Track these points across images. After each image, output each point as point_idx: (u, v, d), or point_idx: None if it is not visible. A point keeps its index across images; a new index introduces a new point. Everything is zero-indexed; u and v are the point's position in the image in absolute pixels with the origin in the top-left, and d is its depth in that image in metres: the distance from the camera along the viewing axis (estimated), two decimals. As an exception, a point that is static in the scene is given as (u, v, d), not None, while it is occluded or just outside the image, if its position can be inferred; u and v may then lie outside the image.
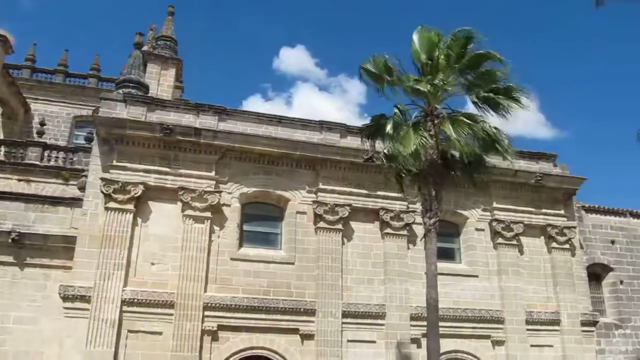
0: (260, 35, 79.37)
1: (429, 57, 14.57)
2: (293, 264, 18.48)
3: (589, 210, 23.08)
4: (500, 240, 20.58)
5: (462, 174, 14.76)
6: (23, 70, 31.69)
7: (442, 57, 14.32)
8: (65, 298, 16.26)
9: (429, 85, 13.98)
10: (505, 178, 21.00)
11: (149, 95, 20.56)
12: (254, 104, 72.56)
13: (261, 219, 19.25)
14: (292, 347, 17.63)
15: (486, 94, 13.97)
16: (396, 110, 14.15)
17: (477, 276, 20.17)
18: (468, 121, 13.78)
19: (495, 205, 20.92)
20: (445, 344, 18.08)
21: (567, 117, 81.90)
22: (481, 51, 13.85)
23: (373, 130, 15.37)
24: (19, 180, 22.19)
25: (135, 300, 16.64)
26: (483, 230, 20.81)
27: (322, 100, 75.34)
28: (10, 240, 16.83)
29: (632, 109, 69.65)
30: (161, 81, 26.26)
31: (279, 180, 19.10)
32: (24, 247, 17.11)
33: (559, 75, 77.23)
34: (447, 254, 20.31)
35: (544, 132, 78.10)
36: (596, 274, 22.97)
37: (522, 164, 21.84)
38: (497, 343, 19.49)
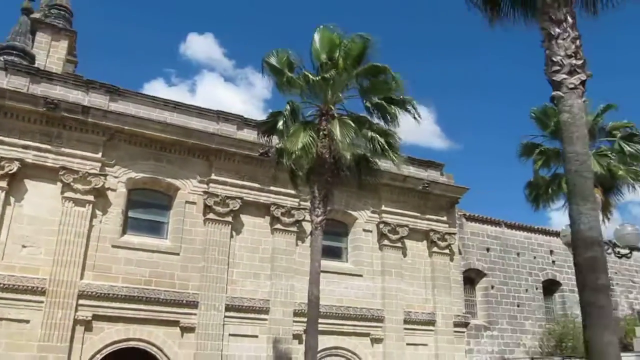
0: (168, 17, 76.63)
1: (329, 57, 14.75)
2: (178, 254, 17.99)
3: (469, 218, 24.44)
4: (386, 242, 21.28)
5: (351, 175, 15.05)
6: None
7: (342, 59, 14.54)
8: None
9: (325, 85, 14.14)
10: (394, 182, 21.73)
11: (35, 65, 19.12)
12: (156, 88, 69.96)
13: (148, 207, 18.56)
14: (170, 339, 17.15)
15: (379, 101, 14.38)
16: (287, 107, 14.19)
17: (361, 275, 20.72)
18: (353, 124, 14.07)
19: (383, 208, 21.60)
20: (326, 341, 18.50)
21: (461, 130, 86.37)
22: (378, 64, 14.21)
23: (269, 126, 15.34)
24: None
25: (1, 286, 15.44)
26: (371, 231, 21.42)
27: (227, 92, 74.16)
28: None
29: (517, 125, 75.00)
30: (51, 52, 24.42)
31: (169, 167, 18.51)
32: None
33: (456, 88, 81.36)
34: (334, 253, 20.74)
35: (438, 143, 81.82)
36: (471, 278, 24.39)
37: (411, 170, 22.71)
38: (376, 341, 20.14)
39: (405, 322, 20.74)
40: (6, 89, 16.42)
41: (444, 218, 22.84)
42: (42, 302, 15.69)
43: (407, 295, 21.24)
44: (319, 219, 13.85)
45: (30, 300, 15.66)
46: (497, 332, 23.41)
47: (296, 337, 18.62)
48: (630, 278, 29.39)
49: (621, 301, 28.53)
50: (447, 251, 22.45)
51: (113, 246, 17.15)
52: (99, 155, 17.38)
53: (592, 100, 19.01)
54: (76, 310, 16.01)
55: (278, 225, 19.45)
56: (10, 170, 16.08)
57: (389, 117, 14.59)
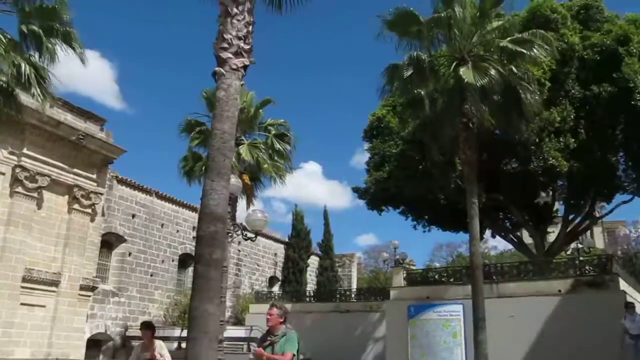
0: None
1: None
2: None
3: (121, 181, 23.65)
4: (19, 189, 18.85)
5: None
6: None
7: None
8: None
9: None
10: (44, 126, 19.50)
11: None
12: None
13: None
14: None
15: (37, 29, 12.53)
16: None
17: (-20, 222, 17.93)
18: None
19: (25, 151, 19.12)
20: None
21: (140, 95, 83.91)
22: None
23: None
24: None
25: None
26: (3, 174, 18.74)
27: None
28: None
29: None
30: None
31: None
32: None
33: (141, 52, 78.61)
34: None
35: (113, 102, 78.04)
36: (109, 242, 23.63)
37: (68, 118, 20.77)
38: None
39: (25, 280, 18.71)
40: None
41: (94, 176, 21.49)
42: None
43: (33, 251, 19.19)
44: None
45: None
46: (125, 298, 23.18)
47: None
48: (256, 261, 32.71)
49: (245, 280, 31.50)
50: (89, 210, 21.14)
51: None
52: None
53: (255, 92, 20.58)
54: None
55: None
56: None
57: (46, 50, 12.80)
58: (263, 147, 20.15)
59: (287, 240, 34.90)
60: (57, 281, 19.77)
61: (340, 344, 22.98)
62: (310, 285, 33.74)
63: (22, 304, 18.64)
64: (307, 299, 27.58)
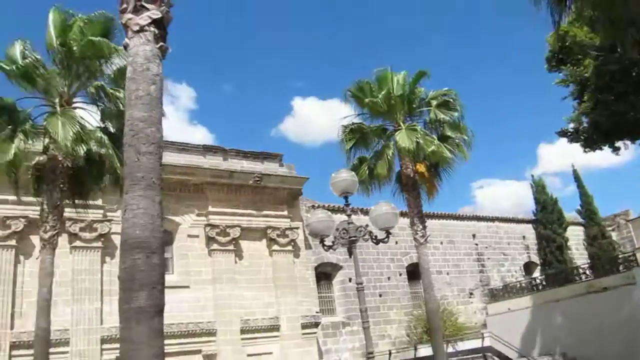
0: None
1: (62, 43, 12.51)
2: (-52, 291, 15.42)
3: (318, 208, 22.76)
4: (215, 246, 19.32)
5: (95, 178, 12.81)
6: None
7: (76, 44, 12.31)
8: None
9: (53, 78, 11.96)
10: (220, 180, 19.81)
11: None
12: None
13: None
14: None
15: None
16: None
17: (188, 287, 18.68)
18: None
19: (210, 209, 19.61)
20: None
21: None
22: (94, 38, 11.95)
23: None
24: None
25: None
26: (197, 236, 19.40)
27: None
28: None
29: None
30: None
31: None
32: None
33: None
34: (159, 265, 18.59)
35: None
36: (326, 273, 22.82)
37: (244, 165, 20.89)
38: (209, 357, 18.17)
39: (244, 331, 18.82)
40: None
41: (284, 212, 21.06)
42: None
43: (245, 302, 19.31)
44: (48, 235, 11.64)
45: None
46: (357, 326, 21.86)
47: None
48: (501, 251, 28.60)
49: (493, 275, 27.75)
50: (289, 247, 20.68)
51: None
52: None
53: (407, 72, 17.75)
54: None
55: (77, 243, 17.17)
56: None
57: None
58: (428, 127, 17.20)
59: (532, 217, 29.98)
60: (277, 325, 19.49)
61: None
62: (581, 260, 28.04)
63: (248, 355, 18.74)
64: (578, 278, 22.40)
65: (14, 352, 15.50)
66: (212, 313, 18.63)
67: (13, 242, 16.32)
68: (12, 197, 16.36)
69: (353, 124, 17.92)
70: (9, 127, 11.63)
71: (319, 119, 64.23)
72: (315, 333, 20.26)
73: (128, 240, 5.27)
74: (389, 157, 16.94)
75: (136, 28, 6.09)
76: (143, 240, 5.26)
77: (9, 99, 12.13)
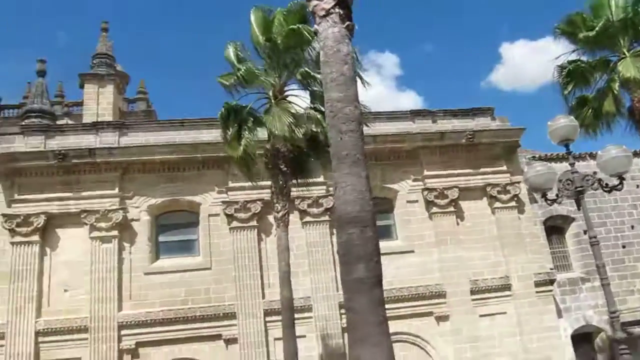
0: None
1: (267, 39, 13.56)
2: (210, 268, 18.05)
3: (542, 160, 21.27)
4: (435, 209, 19.35)
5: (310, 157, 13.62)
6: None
7: (279, 36, 13.25)
8: (-19, 338, 16.56)
9: (265, 72, 13.07)
10: (432, 143, 19.69)
11: (46, 123, 20.37)
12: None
13: (177, 228, 18.92)
14: (217, 353, 17.29)
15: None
16: (222, 111, 13.21)
17: (413, 251, 19.06)
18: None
19: (426, 173, 19.64)
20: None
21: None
22: (294, 26, 12.59)
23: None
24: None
25: (50, 330, 16.73)
26: (416, 201, 19.62)
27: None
28: None
29: None
30: (100, 99, 26.24)
31: (186, 185, 18.63)
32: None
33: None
34: (383, 232, 19.28)
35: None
36: (558, 226, 21.29)
37: (455, 124, 20.44)
38: (441, 319, 18.41)
39: (473, 292, 18.63)
40: (18, 151, 17.74)
41: (503, 167, 20.12)
42: (86, 338, 16.71)
43: (472, 263, 19.04)
44: (280, 214, 12.81)
45: (77, 339, 16.78)
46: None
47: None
48: None
49: None
50: (513, 204, 19.74)
51: (145, 273, 17.72)
52: (116, 190, 18.06)
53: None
54: (119, 341, 16.82)
55: (308, 218, 18.64)
56: (39, 224, 17.34)
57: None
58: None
59: None
60: (508, 285, 18.91)
61: None
62: None
63: (480, 315, 18.54)
64: None
65: (267, 318, 17.56)
66: (439, 275, 18.77)
67: (254, 223, 18.37)
68: (249, 184, 18.51)
69: (569, 62, 16.35)
70: (236, 125, 13.06)
71: (531, 62, 59.72)
72: (550, 291, 19.15)
73: (341, 216, 5.61)
74: (615, 91, 15.15)
75: (322, 13, 6.32)
76: (355, 215, 5.55)
77: (232, 102, 13.59)
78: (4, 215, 17.34)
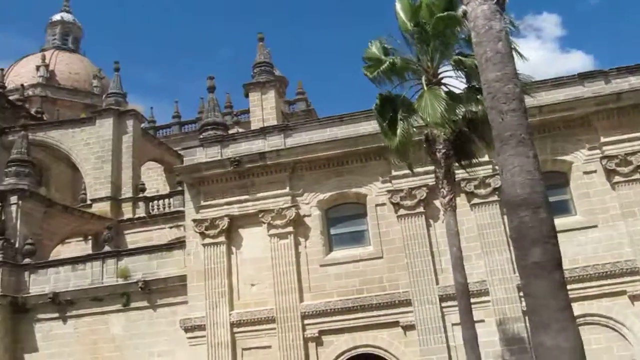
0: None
1: (415, 24, 13.41)
2: (382, 257, 18.40)
3: None
4: (617, 178, 17.66)
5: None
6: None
7: (425, 20, 13.04)
8: (186, 329, 18.73)
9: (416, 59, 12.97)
10: (607, 105, 17.99)
11: (220, 134, 21.98)
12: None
13: (347, 219, 19.56)
14: (395, 340, 17.61)
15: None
16: (377, 102, 13.28)
17: (596, 226, 17.60)
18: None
19: (602, 140, 18.00)
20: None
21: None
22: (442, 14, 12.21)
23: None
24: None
25: (242, 321, 18.37)
26: (595, 171, 18.06)
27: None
28: (139, 288, 19.89)
29: None
30: (264, 105, 27.97)
31: (352, 178, 19.17)
32: (152, 292, 20.07)
33: None
34: (559, 208, 18.07)
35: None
36: None
37: (632, 81, 18.45)
38: (636, 298, 16.79)
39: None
40: (199, 162, 19.65)
41: None
42: (274, 328, 18.03)
43: (663, 234, 17.08)
44: (447, 199, 12.59)
45: (266, 329, 18.20)
46: None
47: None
48: None
49: None
50: None
51: (321, 265, 18.62)
52: (287, 189, 19.20)
53: None
54: (304, 329, 17.91)
55: (475, 200, 18.13)
56: (223, 226, 19.08)
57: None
58: None
59: None
60: None
61: None
62: None
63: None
64: None
65: (443, 304, 17.44)
66: (630, 251, 17.12)
67: (421, 209, 18.33)
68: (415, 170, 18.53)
69: None
70: (390, 115, 13.15)
71: None
72: None
73: (510, 199, 5.42)
74: None
75: (470, -10, 6.12)
76: (525, 197, 5.33)
77: (385, 92, 13.71)
78: (194, 220, 19.35)
